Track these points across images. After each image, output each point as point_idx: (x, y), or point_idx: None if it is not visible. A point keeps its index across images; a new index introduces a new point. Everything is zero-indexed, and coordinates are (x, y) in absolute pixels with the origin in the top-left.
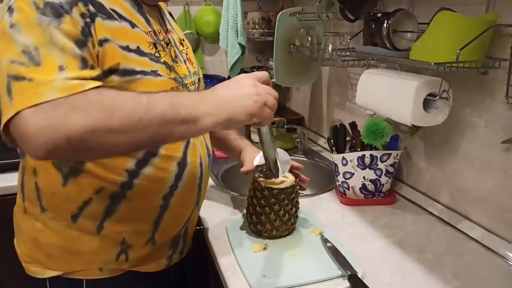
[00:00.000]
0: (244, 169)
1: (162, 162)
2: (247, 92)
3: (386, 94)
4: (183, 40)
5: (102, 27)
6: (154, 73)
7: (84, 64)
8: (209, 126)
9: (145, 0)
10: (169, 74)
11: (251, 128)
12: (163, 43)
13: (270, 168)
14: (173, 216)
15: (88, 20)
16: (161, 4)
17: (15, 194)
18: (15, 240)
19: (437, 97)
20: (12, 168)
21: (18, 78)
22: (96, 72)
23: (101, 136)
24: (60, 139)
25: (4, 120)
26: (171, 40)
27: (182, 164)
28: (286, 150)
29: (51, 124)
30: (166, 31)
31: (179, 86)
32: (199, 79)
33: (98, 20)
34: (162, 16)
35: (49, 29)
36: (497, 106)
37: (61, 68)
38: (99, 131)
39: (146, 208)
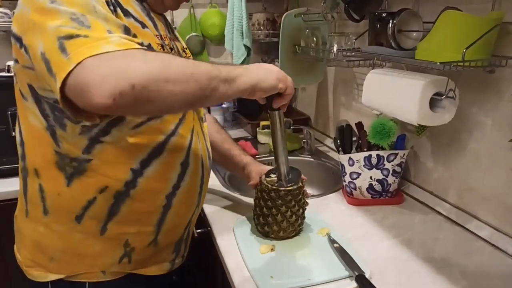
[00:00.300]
0: (253, 182)
1: (166, 161)
2: (270, 66)
3: (392, 93)
4: (186, 48)
5: (122, 18)
6: None
7: (128, 32)
8: (245, 85)
9: (154, 8)
10: None
11: (257, 130)
12: (168, 47)
13: (280, 177)
14: (175, 217)
15: (111, 8)
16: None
17: (16, 199)
18: (15, 246)
19: (444, 96)
20: (13, 173)
21: (71, 37)
22: (140, 40)
23: (161, 85)
24: (125, 86)
25: (62, 77)
26: (175, 47)
27: (185, 164)
28: (293, 151)
29: (116, 71)
30: (171, 38)
31: None
32: None
33: (118, 11)
34: (167, 25)
35: (90, 2)
36: (504, 105)
37: (109, 32)
38: (159, 80)
39: (150, 207)
